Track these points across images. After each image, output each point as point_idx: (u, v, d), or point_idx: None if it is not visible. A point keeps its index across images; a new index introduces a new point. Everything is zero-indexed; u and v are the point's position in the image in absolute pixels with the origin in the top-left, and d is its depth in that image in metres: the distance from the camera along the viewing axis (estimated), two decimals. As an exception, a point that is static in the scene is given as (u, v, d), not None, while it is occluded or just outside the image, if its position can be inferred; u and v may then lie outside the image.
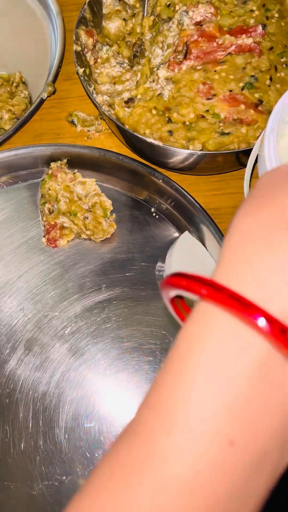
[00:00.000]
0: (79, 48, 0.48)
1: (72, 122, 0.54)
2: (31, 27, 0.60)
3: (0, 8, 0.61)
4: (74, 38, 0.47)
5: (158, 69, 0.46)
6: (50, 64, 0.56)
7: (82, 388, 0.43)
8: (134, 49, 0.51)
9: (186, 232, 0.47)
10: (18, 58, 0.58)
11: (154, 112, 0.45)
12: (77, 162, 0.50)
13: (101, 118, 0.52)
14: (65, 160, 0.50)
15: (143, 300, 0.46)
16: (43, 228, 0.49)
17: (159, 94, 0.46)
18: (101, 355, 0.44)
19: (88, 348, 0.44)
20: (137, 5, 0.52)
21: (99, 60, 0.50)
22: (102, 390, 0.43)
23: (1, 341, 0.45)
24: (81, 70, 0.47)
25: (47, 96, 0.52)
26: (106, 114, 0.46)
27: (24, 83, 0.55)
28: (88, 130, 0.54)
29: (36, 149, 0.49)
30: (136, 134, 0.44)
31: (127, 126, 0.46)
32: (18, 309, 0.46)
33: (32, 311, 0.46)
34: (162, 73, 0.45)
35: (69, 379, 0.43)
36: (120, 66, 0.50)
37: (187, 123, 0.44)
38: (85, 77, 0.47)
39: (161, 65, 0.46)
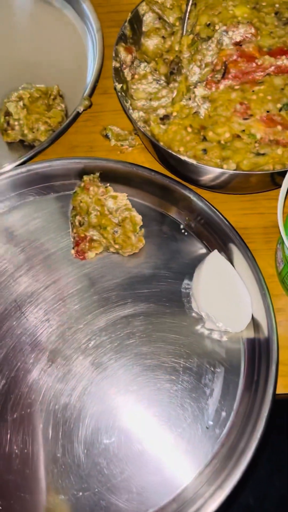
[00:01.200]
0: (117, 64, 0.48)
1: (106, 136, 0.54)
2: (70, 41, 0.61)
3: (41, 21, 0.62)
4: (114, 55, 0.48)
5: (195, 87, 0.46)
6: (87, 78, 0.57)
7: (103, 403, 0.43)
8: (172, 67, 0.51)
9: (215, 251, 0.47)
10: (56, 71, 0.59)
11: (189, 130, 0.45)
12: (109, 176, 0.50)
13: (135, 134, 0.53)
14: (98, 174, 0.50)
15: (168, 317, 0.46)
16: (72, 239, 0.49)
17: (195, 112, 0.46)
18: (123, 371, 0.44)
19: (111, 363, 0.44)
20: (177, 24, 0.53)
21: (136, 76, 0.50)
22: (123, 406, 0.43)
23: (26, 350, 0.45)
24: (119, 86, 0.47)
25: (83, 110, 0.53)
26: (141, 130, 0.46)
27: (61, 96, 0.56)
28: (122, 145, 0.54)
29: (70, 161, 0.50)
30: (170, 151, 0.44)
31: (161, 143, 0.46)
32: (44, 319, 0.46)
33: (57, 322, 0.46)
34: (199, 91, 0.45)
35: (91, 393, 0.43)
36: (157, 82, 0.50)
37: (222, 142, 0.44)
38: (122, 93, 0.48)
39: (198, 83, 0.46)
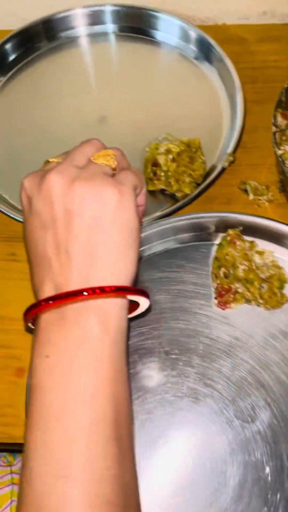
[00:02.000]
0: (276, 129, 0.51)
1: (245, 190, 0.57)
2: (205, 95, 0.64)
3: (181, 76, 0.66)
4: (273, 120, 0.51)
5: None
6: (226, 133, 0.60)
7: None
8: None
9: None
10: (191, 123, 0.62)
11: None
12: (253, 231, 0.52)
13: (282, 191, 0.55)
14: (241, 228, 0.52)
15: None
16: (214, 289, 0.51)
17: None
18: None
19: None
20: None
21: (283, 137, 0.53)
22: None
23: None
24: (280, 152, 0.50)
25: (228, 165, 0.56)
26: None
27: (200, 148, 0.59)
28: (259, 199, 0.56)
29: (214, 214, 0.53)
30: None
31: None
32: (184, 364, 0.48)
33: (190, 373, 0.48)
34: None
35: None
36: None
37: None
38: (281, 158, 0.50)
39: None
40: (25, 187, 0.39)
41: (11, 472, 0.52)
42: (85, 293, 0.34)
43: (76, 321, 0.34)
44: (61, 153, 0.44)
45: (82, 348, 0.34)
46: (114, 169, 0.40)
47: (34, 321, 0.37)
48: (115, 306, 0.36)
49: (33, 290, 0.38)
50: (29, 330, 0.44)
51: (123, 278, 0.36)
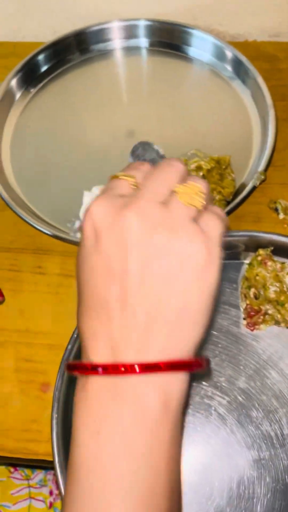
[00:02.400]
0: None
1: (276, 210, 0.56)
2: (235, 112, 0.64)
3: (211, 92, 0.66)
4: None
5: None
6: (257, 151, 0.60)
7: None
8: None
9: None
10: (221, 140, 0.62)
11: None
12: (284, 251, 0.51)
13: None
14: (272, 248, 0.52)
15: None
16: (243, 310, 0.51)
17: None
18: None
19: None
20: None
21: None
22: None
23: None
24: None
25: (259, 184, 0.56)
26: None
27: (230, 165, 0.59)
28: (289, 219, 0.56)
29: (249, 234, 0.52)
30: None
31: None
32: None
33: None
34: None
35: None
36: None
37: None
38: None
39: None
40: (93, 216, 0.32)
41: (29, 486, 0.51)
42: (142, 371, 0.30)
43: (134, 396, 0.30)
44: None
45: (140, 430, 0.30)
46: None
47: (78, 374, 0.33)
48: (176, 381, 0.31)
49: (80, 331, 0.34)
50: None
51: (190, 348, 0.32)
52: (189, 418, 0.46)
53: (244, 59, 0.64)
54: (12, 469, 0.63)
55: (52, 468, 0.45)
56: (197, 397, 0.47)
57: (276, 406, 0.46)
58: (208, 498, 0.43)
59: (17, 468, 0.60)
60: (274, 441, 0.45)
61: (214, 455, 0.45)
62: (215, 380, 0.48)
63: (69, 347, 0.48)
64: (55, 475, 0.44)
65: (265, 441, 0.45)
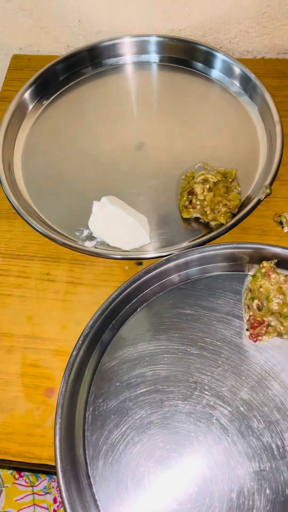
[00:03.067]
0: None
1: (280, 223, 0.57)
2: (242, 126, 0.65)
3: (220, 107, 0.67)
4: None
5: None
6: (263, 165, 0.61)
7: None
8: None
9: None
10: (228, 154, 0.63)
11: None
12: (287, 264, 0.52)
13: None
14: (276, 260, 0.52)
15: None
16: (246, 321, 0.51)
17: None
18: None
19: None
20: None
21: None
22: None
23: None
24: None
25: (264, 198, 0.56)
26: None
27: (237, 179, 0.60)
28: (294, 232, 0.57)
29: (253, 246, 0.53)
30: None
31: None
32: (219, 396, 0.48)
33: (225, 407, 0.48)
34: None
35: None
36: None
37: None
38: None
39: None
40: None
41: (33, 493, 0.52)
42: None
43: None
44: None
45: None
46: None
47: None
48: None
49: None
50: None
51: None
52: (190, 427, 0.47)
53: (252, 75, 0.66)
54: (17, 476, 0.63)
55: (56, 473, 0.45)
56: (199, 406, 0.48)
57: (277, 417, 0.47)
58: (208, 508, 0.44)
59: (22, 474, 0.60)
60: (275, 453, 0.45)
61: (215, 466, 0.45)
62: (218, 390, 0.48)
63: (74, 353, 0.49)
64: (57, 480, 0.45)
65: (266, 453, 0.45)
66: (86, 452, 0.47)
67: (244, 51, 0.74)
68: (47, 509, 0.60)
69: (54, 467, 0.45)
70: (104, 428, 0.47)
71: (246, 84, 0.67)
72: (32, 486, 0.53)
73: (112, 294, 0.52)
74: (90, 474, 0.46)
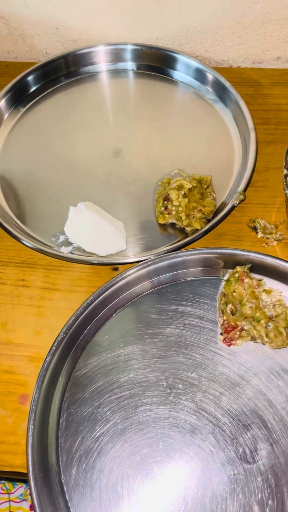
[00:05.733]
0: (287, 172, 0.52)
1: (254, 228, 0.58)
2: (218, 134, 0.66)
3: (195, 115, 0.68)
4: (284, 163, 0.52)
5: None
6: (238, 172, 0.62)
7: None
8: None
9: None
10: (205, 161, 0.64)
11: None
12: (261, 269, 0.53)
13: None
14: (249, 265, 0.53)
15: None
16: (220, 325, 0.52)
17: None
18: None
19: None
20: None
21: (294, 179, 0.54)
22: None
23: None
24: (291, 193, 0.51)
25: (238, 203, 0.57)
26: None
27: (211, 185, 0.61)
28: (268, 238, 0.57)
29: (228, 251, 0.53)
30: None
31: None
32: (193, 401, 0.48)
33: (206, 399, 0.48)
34: None
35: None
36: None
37: None
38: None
39: None
40: None
41: (9, 500, 0.51)
42: None
43: None
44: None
45: None
46: None
47: None
48: None
49: None
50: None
51: None
52: (164, 432, 0.47)
53: (227, 84, 0.67)
54: (-8, 484, 0.63)
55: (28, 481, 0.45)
56: (173, 411, 0.48)
57: (251, 421, 0.47)
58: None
59: (-2, 482, 0.60)
60: (248, 457, 0.46)
61: (188, 470, 0.45)
62: (192, 394, 0.48)
63: (48, 358, 0.49)
64: (29, 487, 0.44)
65: (239, 457, 0.46)
66: (60, 458, 0.46)
67: (220, 60, 0.76)
68: (23, 516, 0.59)
69: (27, 474, 0.44)
70: (78, 435, 0.47)
71: (221, 92, 0.68)
72: (8, 493, 0.53)
73: (87, 299, 0.52)
74: (63, 481, 0.45)
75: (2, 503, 0.53)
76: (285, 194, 0.52)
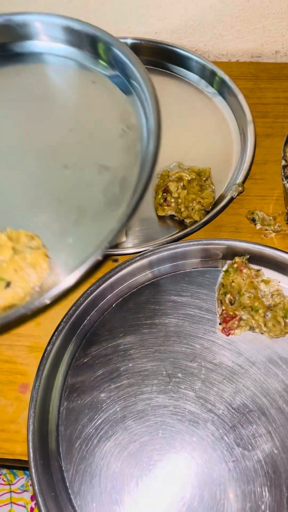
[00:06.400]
0: (285, 163, 0.53)
1: (253, 220, 0.58)
2: (217, 127, 0.67)
3: (194, 108, 0.68)
4: (283, 154, 0.52)
5: None
6: (236, 164, 0.62)
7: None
8: None
9: None
10: (202, 153, 0.64)
11: None
12: (259, 260, 0.53)
13: (288, 223, 0.57)
14: (248, 256, 0.53)
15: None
16: (218, 315, 0.52)
17: None
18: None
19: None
20: None
21: (292, 171, 0.54)
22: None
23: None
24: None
25: (237, 195, 0.58)
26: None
27: (210, 177, 0.61)
28: (266, 229, 0.58)
29: (222, 242, 0.54)
30: None
31: None
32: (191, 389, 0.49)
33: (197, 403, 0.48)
34: None
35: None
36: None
37: None
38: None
39: None
40: None
41: (11, 491, 0.51)
42: None
43: None
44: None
45: None
46: None
47: None
48: None
49: None
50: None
51: None
52: (164, 420, 0.47)
53: (226, 77, 0.67)
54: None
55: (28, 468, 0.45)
56: (172, 400, 0.48)
57: (249, 409, 0.47)
58: (179, 501, 0.44)
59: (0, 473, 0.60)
60: (247, 444, 0.46)
61: (188, 460, 0.46)
62: (191, 383, 0.49)
63: (49, 348, 0.49)
64: (29, 474, 0.45)
65: (238, 444, 0.46)
66: (60, 446, 0.47)
67: (219, 54, 0.76)
68: (24, 507, 0.60)
69: (27, 462, 0.45)
70: (78, 423, 0.48)
71: (220, 86, 0.68)
72: (9, 484, 0.53)
73: (87, 290, 0.52)
74: (63, 468, 0.46)
75: (3, 494, 0.53)
76: (283, 185, 0.52)
